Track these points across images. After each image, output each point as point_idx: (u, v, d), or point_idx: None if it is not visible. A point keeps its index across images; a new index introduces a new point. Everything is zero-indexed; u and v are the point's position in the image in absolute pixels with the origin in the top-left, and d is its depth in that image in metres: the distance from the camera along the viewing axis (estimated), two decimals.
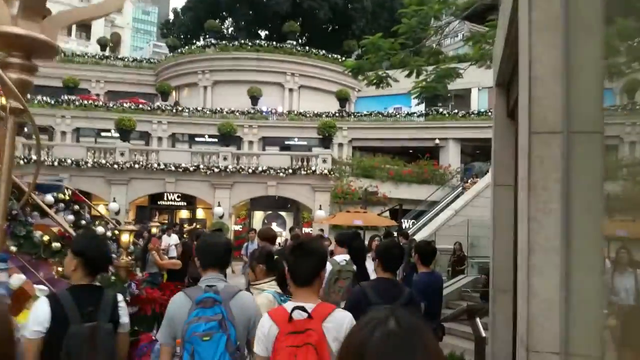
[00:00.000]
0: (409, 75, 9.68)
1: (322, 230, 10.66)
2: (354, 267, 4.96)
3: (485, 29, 9.65)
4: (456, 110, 26.28)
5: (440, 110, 26.37)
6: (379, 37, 8.53)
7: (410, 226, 20.14)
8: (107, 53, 36.30)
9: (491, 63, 9.19)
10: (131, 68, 34.03)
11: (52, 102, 27.11)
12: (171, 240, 16.23)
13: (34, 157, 20.76)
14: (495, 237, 3.12)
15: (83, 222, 9.54)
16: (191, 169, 21.34)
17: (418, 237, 15.92)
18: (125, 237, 5.78)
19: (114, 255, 5.54)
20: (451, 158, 24.84)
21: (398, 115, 26.87)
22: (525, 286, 1.93)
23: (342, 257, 5.11)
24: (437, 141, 25.09)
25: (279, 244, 11.42)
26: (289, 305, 2.37)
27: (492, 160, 3.28)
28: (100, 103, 28.10)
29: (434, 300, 4.44)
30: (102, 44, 37.20)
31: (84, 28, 47.82)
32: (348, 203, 19.94)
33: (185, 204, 23.17)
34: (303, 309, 2.31)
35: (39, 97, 26.88)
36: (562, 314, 1.83)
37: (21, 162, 20.42)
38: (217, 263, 2.77)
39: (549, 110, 1.98)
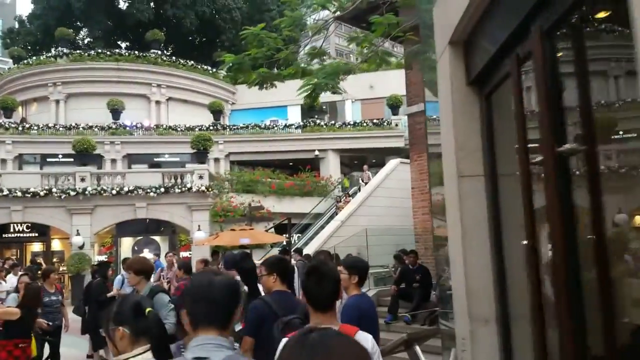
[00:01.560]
0: (293, 76, 8.90)
1: (205, 261, 9.24)
2: (245, 288, 4.75)
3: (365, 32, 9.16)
4: (333, 122, 26.28)
5: (318, 121, 26.16)
6: (261, 29, 7.58)
7: (296, 240, 19.36)
8: None
9: (382, 65, 8.82)
10: None
11: None
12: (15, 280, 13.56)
13: None
14: (464, 247, 2.26)
15: None
16: (42, 193, 18.33)
17: (306, 252, 15.15)
18: None
19: None
20: (332, 169, 24.67)
21: (276, 128, 26.13)
22: None
23: None
24: (316, 152, 24.76)
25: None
26: None
27: (447, 145, 2.44)
28: None
29: (370, 329, 3.57)
30: None
31: None
32: (230, 221, 18.56)
33: (36, 235, 19.88)
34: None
35: None
36: None
37: None
38: (213, 319, 1.75)
39: None
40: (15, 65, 29.00)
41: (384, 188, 18.54)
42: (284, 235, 16.33)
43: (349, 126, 25.77)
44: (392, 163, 19.82)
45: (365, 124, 25.64)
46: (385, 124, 25.58)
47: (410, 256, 9.76)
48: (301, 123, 26.24)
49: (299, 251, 10.83)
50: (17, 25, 37.06)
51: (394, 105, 25.87)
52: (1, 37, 38.24)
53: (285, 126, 26.20)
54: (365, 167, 22.54)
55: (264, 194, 21.03)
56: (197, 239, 17.11)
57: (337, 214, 18.49)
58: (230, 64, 7.64)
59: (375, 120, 25.77)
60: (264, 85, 9.02)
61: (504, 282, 2.16)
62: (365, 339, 2.36)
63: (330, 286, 2.44)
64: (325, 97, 27.29)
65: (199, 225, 18.58)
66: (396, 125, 25.53)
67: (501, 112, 2.21)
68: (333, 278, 2.48)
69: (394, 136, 24.92)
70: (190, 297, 1.82)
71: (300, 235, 20.55)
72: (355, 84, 29.48)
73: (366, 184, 19.92)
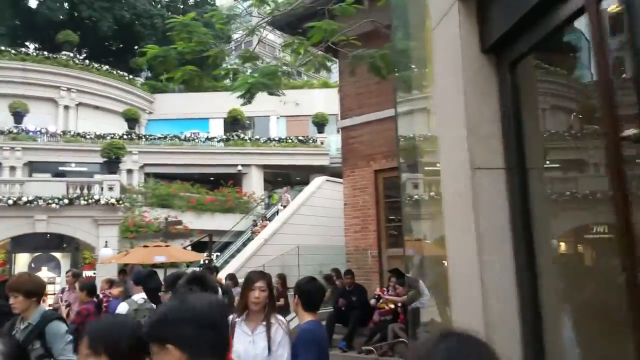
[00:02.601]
0: (222, 78, 8.16)
1: (111, 281, 8.08)
2: (153, 306, 4.86)
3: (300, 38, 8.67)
4: (258, 137, 25.50)
5: (241, 135, 25.26)
6: (190, 19, 6.80)
7: (215, 259, 18.22)
8: None
9: (321, 70, 8.35)
10: None
11: None
12: None
13: None
14: (482, 264, 1.69)
15: None
16: None
17: (227, 271, 14.18)
18: None
19: None
20: (254, 185, 23.79)
21: (197, 140, 24.86)
22: None
23: (139, 296, 5.18)
24: (239, 167, 23.80)
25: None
26: None
27: (453, 132, 1.88)
28: None
29: None
30: None
31: None
32: (142, 237, 17.08)
33: None
34: None
35: None
36: None
37: None
38: (220, 350, 1.48)
39: None
40: None
41: (310, 206, 18.04)
42: (204, 253, 15.22)
43: (273, 142, 25.12)
44: (318, 181, 19.43)
45: (290, 141, 25.13)
46: (310, 141, 25.24)
47: (347, 277, 9.20)
48: (224, 136, 25.19)
49: (232, 277, 9.97)
50: None
51: (319, 123, 25.65)
52: None
53: (207, 139, 25.02)
54: (285, 189, 21.90)
55: (182, 209, 19.73)
56: (103, 257, 15.48)
57: (252, 238, 17.57)
58: (154, 57, 6.74)
59: (300, 137, 25.36)
60: (189, 85, 8.14)
61: (536, 311, 1.61)
62: None
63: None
64: (249, 111, 26.53)
65: (106, 242, 16.89)
66: (321, 143, 25.29)
67: (533, 86, 1.72)
68: (214, 289, 2.82)
69: (319, 154, 24.63)
70: (190, 324, 1.43)
71: (219, 253, 19.41)
72: (280, 99, 29.10)
73: (284, 207, 19.23)
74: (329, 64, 8.03)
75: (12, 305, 3.53)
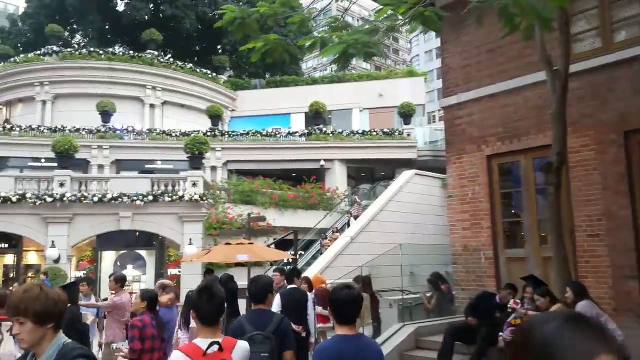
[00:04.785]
0: (310, 49, 6.95)
1: (164, 286, 7.16)
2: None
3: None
4: (340, 130, 24.32)
5: (324, 129, 24.20)
6: (246, 10, 5.65)
7: (299, 258, 17.24)
8: None
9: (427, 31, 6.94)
10: None
11: None
12: None
13: None
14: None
15: None
16: (14, 199, 16.26)
17: (313, 272, 13.08)
18: None
19: None
20: (338, 180, 22.64)
21: (278, 135, 24.17)
22: None
23: None
24: (322, 163, 22.77)
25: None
26: (201, 342, 2.85)
27: None
28: None
29: None
30: None
31: None
32: (226, 234, 16.45)
33: (6, 246, 17.74)
34: (217, 343, 2.83)
35: None
36: None
37: None
38: None
39: None
40: (1, 63, 27.12)
41: (399, 202, 16.53)
42: (289, 252, 14.24)
43: (357, 135, 23.82)
44: (407, 175, 17.84)
45: (374, 133, 23.71)
46: (396, 133, 23.67)
47: (506, 292, 6.81)
48: (306, 131, 24.29)
49: (308, 281, 8.80)
50: (8, 25, 35.39)
51: (405, 114, 23.99)
52: None
53: (289, 134, 24.25)
54: (356, 197, 20.30)
55: (265, 206, 18.98)
56: (188, 255, 14.99)
57: (321, 253, 16.12)
58: (232, 20, 5.65)
59: (385, 130, 23.86)
60: (272, 61, 6.98)
61: None
62: (244, 345, 3.04)
63: (218, 304, 2.98)
64: (331, 104, 25.42)
65: (190, 239, 16.49)
66: (408, 135, 23.64)
67: None
68: (221, 297, 3.02)
69: (405, 147, 23.02)
70: None
71: (302, 252, 18.44)
72: (363, 92, 27.76)
73: (356, 218, 17.53)
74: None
75: (17, 337, 2.33)
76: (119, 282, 7.49)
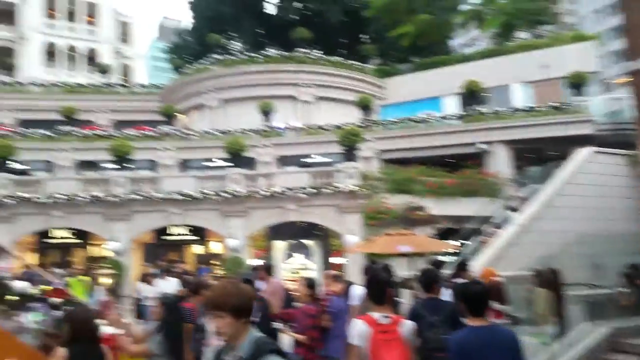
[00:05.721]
0: (463, 25, 6.46)
1: (334, 276, 7.25)
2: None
3: None
4: (499, 108, 22.70)
5: (480, 109, 22.80)
6: None
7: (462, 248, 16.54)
8: (111, 81, 34.11)
9: None
10: (137, 95, 31.86)
11: (51, 134, 24.72)
12: (168, 286, 13.09)
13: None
14: None
15: None
16: (198, 196, 18.32)
17: (478, 264, 12.46)
18: None
19: None
20: (500, 163, 21.17)
21: (430, 120, 23.46)
22: None
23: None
24: (480, 145, 21.52)
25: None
26: (375, 315, 3.75)
27: None
28: (102, 133, 25.57)
29: None
30: (102, 70, 35.07)
31: (93, 61, 46.06)
32: (384, 224, 16.54)
33: (195, 237, 20.09)
34: (387, 316, 3.74)
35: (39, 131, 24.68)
36: None
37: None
38: None
39: None
40: (176, 76, 30.68)
41: (576, 184, 14.89)
42: (452, 241, 13.76)
43: (519, 113, 21.99)
44: (584, 153, 16.00)
45: (541, 109, 21.63)
46: (567, 107, 21.30)
47: None
48: (460, 113, 23.19)
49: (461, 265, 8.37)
50: (178, 40, 39.90)
51: (576, 84, 21.48)
52: (166, 52, 41.51)
53: (442, 118, 23.39)
54: (515, 190, 18.37)
55: (421, 194, 18.58)
56: (349, 245, 15.41)
57: (480, 249, 14.91)
58: (382, 6, 5.49)
59: (554, 104, 21.61)
60: (424, 43, 6.58)
61: None
62: (409, 322, 3.86)
63: (382, 287, 3.91)
64: (486, 82, 23.81)
65: (349, 229, 16.94)
66: (581, 108, 21.13)
67: None
68: (385, 281, 4.02)
69: (579, 121, 20.60)
70: None
71: (464, 242, 17.67)
72: (523, 64, 25.49)
73: (515, 210, 15.82)
74: None
75: (217, 330, 2.54)
76: (267, 270, 8.08)
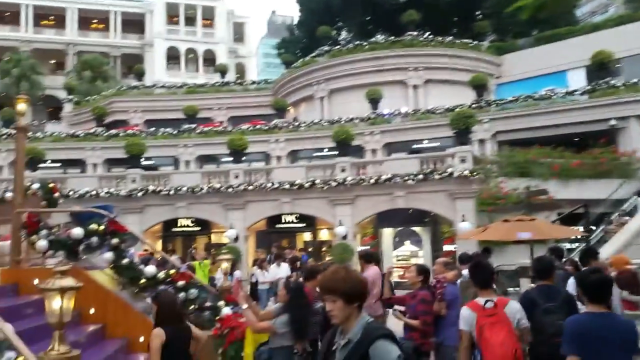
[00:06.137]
0: None
1: (447, 263, 6.76)
2: None
3: None
4: (636, 80, 20.12)
5: (612, 82, 20.39)
6: None
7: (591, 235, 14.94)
8: (226, 80, 36.10)
9: None
10: (250, 91, 33.41)
11: (175, 132, 26.85)
12: (280, 271, 13.48)
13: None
14: None
15: (125, 260, 7.02)
16: (307, 185, 18.66)
17: (608, 251, 11.15)
18: None
19: None
20: (636, 141, 18.82)
21: (554, 97, 21.50)
22: None
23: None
24: (612, 122, 19.28)
25: None
26: (481, 300, 3.99)
27: None
28: (220, 129, 27.21)
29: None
30: (221, 70, 37.24)
31: (209, 62, 49.26)
32: (500, 210, 15.49)
33: (305, 225, 20.54)
34: (491, 301, 3.95)
35: (165, 130, 26.94)
36: None
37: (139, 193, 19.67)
38: None
39: None
40: (286, 70, 31.56)
41: None
42: (578, 227, 12.47)
43: None
44: None
45: None
46: None
47: None
48: (588, 87, 20.96)
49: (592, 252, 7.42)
50: (287, 35, 41.00)
51: None
52: (276, 48, 42.88)
53: (566, 94, 21.33)
54: None
55: (543, 177, 17.10)
56: (462, 231, 14.66)
57: (606, 242, 13.11)
58: None
59: None
60: (547, 14, 5.96)
61: None
62: (515, 305, 4.07)
63: (486, 272, 4.26)
64: (620, 51, 21.24)
65: (463, 216, 16.13)
66: None
67: None
68: (489, 269, 4.34)
69: None
70: None
71: (593, 227, 15.97)
72: None
73: None
74: None
75: (329, 313, 2.58)
76: (366, 258, 7.88)
